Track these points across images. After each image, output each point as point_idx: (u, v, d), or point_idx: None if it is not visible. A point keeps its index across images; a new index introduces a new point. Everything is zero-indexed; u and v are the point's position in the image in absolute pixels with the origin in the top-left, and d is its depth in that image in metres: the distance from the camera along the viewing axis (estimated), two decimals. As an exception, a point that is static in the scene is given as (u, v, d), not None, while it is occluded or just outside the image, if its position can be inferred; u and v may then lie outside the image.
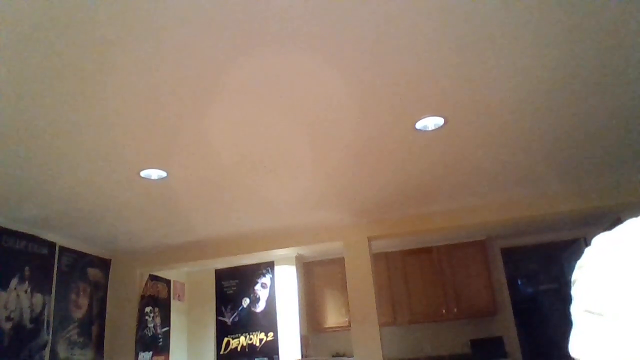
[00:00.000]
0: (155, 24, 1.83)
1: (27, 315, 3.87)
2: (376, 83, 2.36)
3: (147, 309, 5.23)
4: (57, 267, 4.30)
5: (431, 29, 2.00)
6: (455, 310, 5.72)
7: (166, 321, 5.60)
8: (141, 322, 5.05)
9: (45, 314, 4.07)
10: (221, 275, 6.07)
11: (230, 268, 6.00)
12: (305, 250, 5.60)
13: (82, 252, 4.65)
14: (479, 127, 2.95)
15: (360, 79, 2.32)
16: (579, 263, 0.60)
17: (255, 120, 2.64)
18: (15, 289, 3.79)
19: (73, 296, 4.46)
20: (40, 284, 4.05)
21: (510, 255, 6.32)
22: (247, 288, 5.93)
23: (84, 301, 4.61)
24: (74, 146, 2.72)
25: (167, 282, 5.75)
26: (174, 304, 5.83)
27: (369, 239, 4.80)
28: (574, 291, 0.59)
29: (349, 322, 4.87)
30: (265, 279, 5.87)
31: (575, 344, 0.56)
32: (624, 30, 2.10)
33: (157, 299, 5.47)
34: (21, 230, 3.92)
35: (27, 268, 3.93)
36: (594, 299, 0.55)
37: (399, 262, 6.02)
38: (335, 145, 3.04)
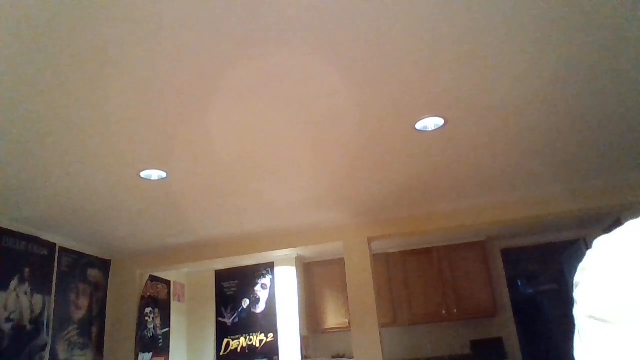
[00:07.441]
0: (155, 24, 1.83)
1: (27, 316, 3.87)
2: (376, 83, 2.37)
3: (147, 310, 5.22)
4: (57, 268, 4.30)
5: (431, 30, 2.00)
6: (456, 311, 5.71)
7: (166, 322, 5.59)
8: (141, 323, 5.05)
9: (45, 314, 4.07)
10: (221, 276, 6.07)
11: (230, 269, 5.99)
12: (305, 251, 5.59)
13: (82, 253, 4.65)
14: (479, 127, 2.95)
15: (361, 79, 2.32)
16: (581, 265, 0.59)
17: (255, 120, 2.65)
18: (15, 289, 3.78)
19: (73, 297, 4.46)
20: (40, 285, 4.05)
21: (510, 256, 6.32)
22: (247, 289, 5.92)
23: (84, 302, 4.60)
24: (74, 147, 2.73)
25: (167, 283, 5.74)
26: (174, 305, 5.83)
27: (369, 240, 4.80)
28: (577, 294, 0.58)
29: (349, 323, 4.87)
30: (265, 280, 5.87)
31: (579, 351, 0.55)
32: (624, 30, 2.11)
33: (157, 300, 5.47)
34: (21, 231, 3.92)
35: (27, 269, 3.93)
36: (597, 304, 0.54)
37: (399, 263, 6.01)
38: (335, 145, 3.04)
